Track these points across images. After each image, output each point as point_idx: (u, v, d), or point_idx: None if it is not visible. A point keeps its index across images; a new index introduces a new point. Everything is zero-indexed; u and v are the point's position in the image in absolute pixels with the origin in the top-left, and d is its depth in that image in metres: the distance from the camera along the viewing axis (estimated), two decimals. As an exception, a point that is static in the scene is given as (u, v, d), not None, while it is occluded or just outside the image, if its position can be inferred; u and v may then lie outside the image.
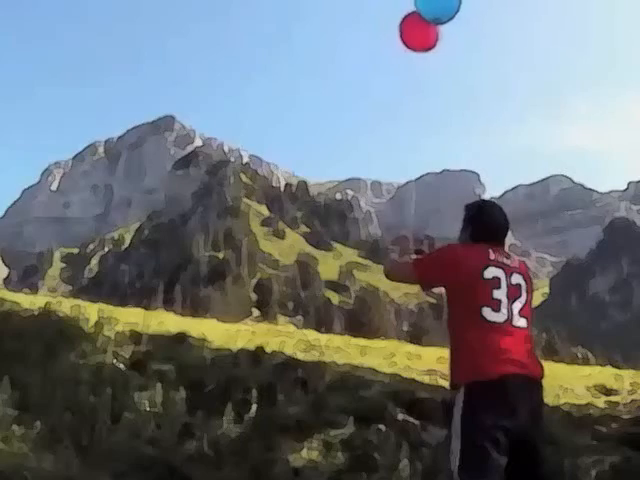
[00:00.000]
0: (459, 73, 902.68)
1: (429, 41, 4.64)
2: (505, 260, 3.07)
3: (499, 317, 2.92)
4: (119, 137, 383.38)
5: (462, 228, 3.27)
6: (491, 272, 2.97)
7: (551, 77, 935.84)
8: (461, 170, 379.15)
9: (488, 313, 2.91)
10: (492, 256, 3.02)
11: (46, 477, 4.76)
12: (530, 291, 3.11)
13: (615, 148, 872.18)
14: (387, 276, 3.48)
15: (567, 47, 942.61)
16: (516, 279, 3.04)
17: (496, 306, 2.93)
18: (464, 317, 2.98)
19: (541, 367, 3.03)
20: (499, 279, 2.97)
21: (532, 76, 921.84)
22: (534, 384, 2.95)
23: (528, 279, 3.12)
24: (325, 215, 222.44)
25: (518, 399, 2.81)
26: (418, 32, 4.55)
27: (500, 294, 2.95)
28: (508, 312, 2.95)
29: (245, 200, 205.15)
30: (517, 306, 2.99)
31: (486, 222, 3.17)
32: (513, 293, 2.99)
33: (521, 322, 2.98)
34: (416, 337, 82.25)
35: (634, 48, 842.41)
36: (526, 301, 3.05)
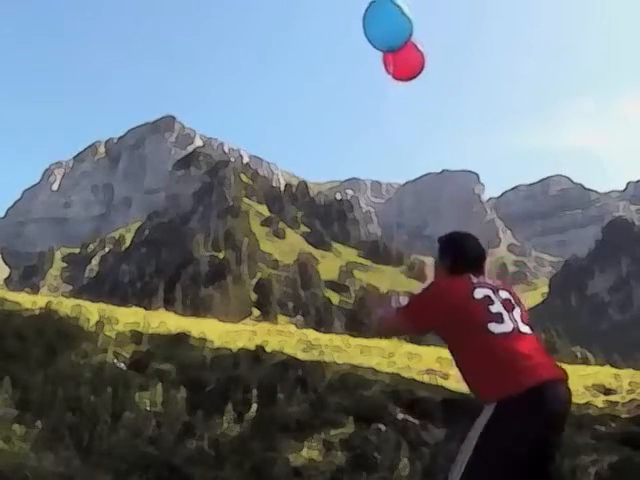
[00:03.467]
0: (459, 73, 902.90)
1: (415, 69, 4.73)
2: (488, 281, 3.11)
3: (506, 327, 2.90)
4: (120, 137, 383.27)
5: (440, 261, 3.28)
6: (480, 292, 2.98)
7: (551, 77, 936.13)
8: (461, 170, 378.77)
9: (494, 327, 2.88)
10: (475, 280, 3.05)
11: (47, 476, 4.77)
12: (520, 303, 3.12)
13: (614, 148, 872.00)
14: (379, 334, 3.48)
15: (567, 47, 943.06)
16: (504, 294, 3.06)
17: (499, 318, 2.91)
18: (472, 340, 2.92)
19: (562, 368, 3.01)
20: (489, 296, 2.98)
21: (532, 76, 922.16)
22: (565, 385, 2.89)
23: (514, 294, 3.14)
24: (325, 215, 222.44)
25: (554, 403, 2.76)
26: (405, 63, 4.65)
27: (497, 308, 2.95)
28: (512, 321, 2.94)
29: (245, 200, 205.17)
30: (517, 315, 2.99)
31: (464, 253, 3.20)
32: (507, 306, 3.00)
33: (526, 329, 2.98)
34: (416, 337, 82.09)
35: (634, 49, 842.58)
36: (522, 311, 3.06)
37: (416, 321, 3.12)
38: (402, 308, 3.15)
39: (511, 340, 2.86)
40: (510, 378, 2.76)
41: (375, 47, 4.63)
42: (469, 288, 2.99)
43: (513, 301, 3.06)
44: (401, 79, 4.78)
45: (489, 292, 3.00)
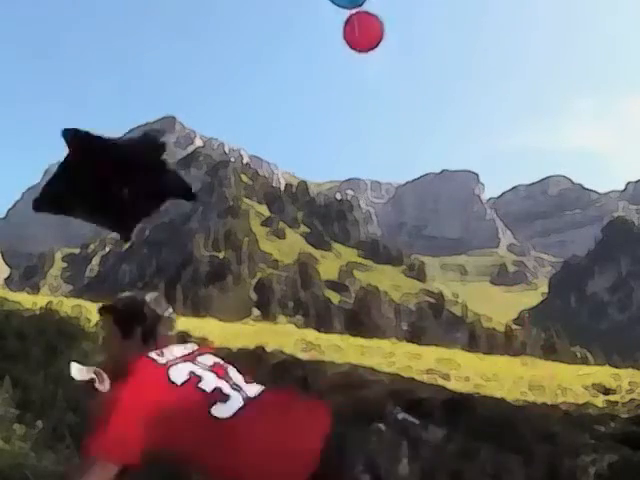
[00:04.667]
0: (458, 72, 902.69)
1: (372, 40, 4.72)
2: (175, 351, 2.25)
3: (235, 402, 2.11)
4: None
5: (121, 335, 2.28)
6: (178, 373, 2.13)
7: (550, 78, 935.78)
8: (460, 170, 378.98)
9: (220, 410, 2.07)
10: (161, 359, 2.17)
11: (47, 476, 4.77)
12: (229, 362, 2.36)
13: (614, 149, 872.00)
14: None
15: (567, 47, 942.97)
16: (206, 359, 2.28)
17: (220, 396, 2.12)
18: (206, 440, 2.03)
19: (323, 413, 2.18)
20: (192, 372, 2.16)
21: (532, 76, 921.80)
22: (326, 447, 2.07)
23: (215, 355, 2.37)
24: (325, 215, 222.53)
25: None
26: (363, 32, 4.63)
27: (209, 382, 2.15)
28: (236, 389, 2.17)
29: (245, 200, 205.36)
30: (234, 376, 2.26)
31: (147, 317, 2.29)
32: (219, 371, 2.24)
33: (254, 390, 2.22)
34: (415, 336, 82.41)
35: (634, 49, 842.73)
36: (239, 370, 2.33)
37: (124, 456, 1.96)
38: (90, 450, 1.95)
39: (249, 418, 2.07)
40: (284, 469, 2.01)
41: (339, 5, 4.59)
42: (162, 375, 2.10)
43: (221, 363, 2.31)
44: (363, 50, 4.77)
45: (188, 366, 2.18)
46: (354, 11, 4.59)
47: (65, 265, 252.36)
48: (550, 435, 7.42)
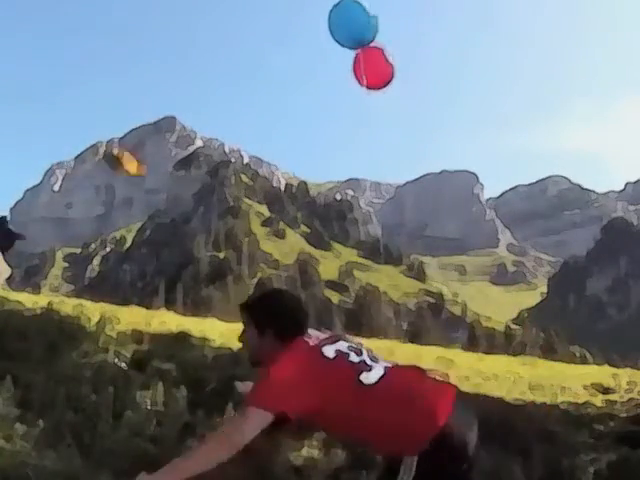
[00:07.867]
0: (458, 72, 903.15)
1: (384, 78, 4.79)
2: (321, 336, 2.65)
3: (378, 371, 2.48)
4: (120, 138, 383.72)
5: (256, 330, 2.60)
6: (328, 350, 2.51)
7: (550, 78, 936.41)
8: (460, 170, 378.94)
9: (366, 377, 2.44)
10: (312, 342, 2.55)
11: (48, 475, 4.80)
12: (360, 344, 2.71)
13: (613, 149, 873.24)
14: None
15: (566, 48, 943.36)
16: (343, 344, 2.60)
17: (364, 366, 2.49)
18: (353, 403, 2.39)
19: (449, 384, 2.63)
20: (339, 350, 2.52)
21: (531, 77, 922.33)
22: (458, 406, 2.45)
23: (350, 339, 2.72)
24: (325, 215, 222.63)
25: (464, 434, 2.38)
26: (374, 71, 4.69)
27: (354, 357, 2.51)
28: (375, 362, 2.54)
29: (246, 200, 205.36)
30: (372, 355, 2.61)
31: (292, 317, 2.62)
32: (357, 351, 2.57)
33: (388, 363, 2.61)
34: (415, 336, 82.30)
35: (633, 49, 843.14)
36: (368, 351, 2.65)
37: (279, 406, 2.33)
38: (249, 401, 2.37)
39: (390, 382, 2.45)
40: (419, 426, 2.34)
41: (344, 45, 4.65)
42: (316, 352, 2.49)
43: (354, 344, 2.63)
44: (373, 88, 4.86)
45: (334, 346, 2.54)
46: (360, 50, 4.64)
47: (66, 265, 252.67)
48: (549, 434, 7.45)
